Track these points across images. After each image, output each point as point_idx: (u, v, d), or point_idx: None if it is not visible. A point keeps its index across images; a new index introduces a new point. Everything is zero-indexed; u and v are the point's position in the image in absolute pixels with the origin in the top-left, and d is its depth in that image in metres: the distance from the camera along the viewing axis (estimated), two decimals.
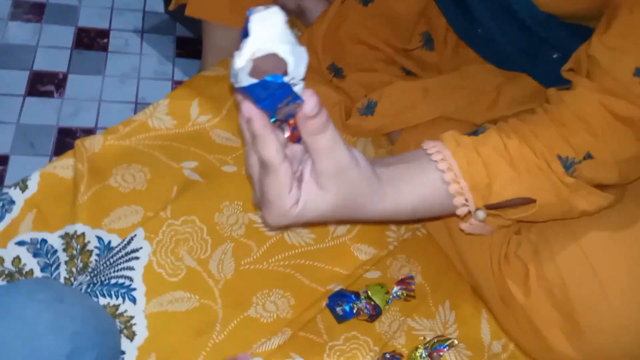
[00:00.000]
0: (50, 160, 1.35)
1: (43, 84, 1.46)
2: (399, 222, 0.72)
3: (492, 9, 0.65)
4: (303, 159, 0.47)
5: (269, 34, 0.38)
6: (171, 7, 0.86)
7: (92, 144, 0.71)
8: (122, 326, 0.60)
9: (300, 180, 0.46)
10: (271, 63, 0.38)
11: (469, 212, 0.53)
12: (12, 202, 0.64)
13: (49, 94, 1.45)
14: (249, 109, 0.40)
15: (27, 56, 1.50)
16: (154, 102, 0.77)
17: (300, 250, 0.68)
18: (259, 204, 0.48)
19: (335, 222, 0.69)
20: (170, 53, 1.58)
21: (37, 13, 1.59)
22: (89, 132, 1.40)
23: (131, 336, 0.59)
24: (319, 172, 0.44)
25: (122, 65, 1.53)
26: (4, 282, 0.60)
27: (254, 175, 0.47)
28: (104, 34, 1.58)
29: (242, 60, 0.38)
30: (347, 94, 0.81)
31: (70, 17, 1.60)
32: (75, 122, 1.42)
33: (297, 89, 0.39)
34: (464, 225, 0.56)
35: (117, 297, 0.61)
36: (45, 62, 1.50)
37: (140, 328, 0.60)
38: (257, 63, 0.38)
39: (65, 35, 1.56)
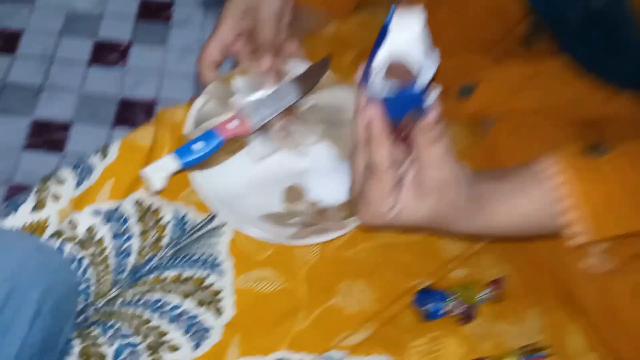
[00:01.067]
0: (111, 129, 1.33)
1: (106, 53, 1.44)
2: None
3: None
4: (406, 164, 0.45)
5: (407, 36, 0.37)
6: None
7: (175, 113, 0.67)
8: (210, 299, 0.56)
9: (399, 185, 0.45)
10: (403, 67, 0.38)
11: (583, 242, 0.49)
12: (92, 168, 0.61)
13: (112, 64, 1.42)
14: (374, 113, 0.41)
15: (92, 25, 1.48)
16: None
17: (387, 240, 0.63)
18: (356, 198, 0.48)
19: (426, 232, 0.64)
20: None
21: None
22: (150, 104, 1.37)
23: (218, 311, 0.56)
24: (421, 183, 0.43)
25: (184, 38, 1.50)
26: (76, 248, 0.56)
27: (357, 171, 0.46)
28: (168, 5, 1.55)
29: (380, 62, 0.38)
30: (439, 75, 0.75)
31: None
32: (136, 93, 1.39)
33: (430, 98, 0.39)
34: (583, 264, 0.53)
35: (204, 269, 0.58)
36: (110, 31, 1.48)
37: (228, 303, 0.56)
38: (390, 66, 0.38)
39: (129, 4, 1.53)
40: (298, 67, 0.68)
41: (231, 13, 0.67)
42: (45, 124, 1.31)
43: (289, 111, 0.66)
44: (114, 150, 0.62)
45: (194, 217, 0.61)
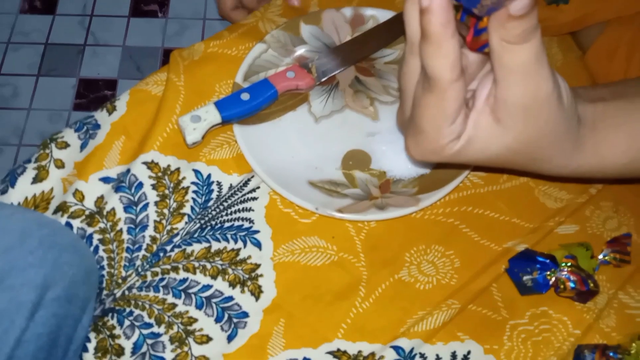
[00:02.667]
0: None
1: (147, 3, 1.32)
2: (599, 182, 0.49)
3: None
4: (479, 77, 0.32)
5: None
6: None
7: (192, 54, 0.54)
8: (246, 276, 0.44)
9: (469, 107, 0.31)
10: None
11: None
12: (98, 126, 0.49)
13: (153, 14, 1.31)
14: None
15: None
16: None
17: (467, 192, 0.48)
18: (406, 127, 0.34)
19: (503, 170, 0.48)
20: None
21: None
22: None
23: (256, 292, 0.44)
24: (502, 101, 0.30)
25: None
26: (84, 225, 0.45)
27: (407, 87, 0.33)
28: None
29: None
30: None
31: None
32: (180, 43, 1.27)
33: None
34: None
35: (235, 241, 0.45)
36: None
37: (267, 282, 0.44)
38: None
39: None
40: (381, 14, 0.54)
41: None
42: (92, 82, 1.23)
43: (364, 64, 0.53)
44: (122, 104, 0.50)
45: (220, 178, 0.48)
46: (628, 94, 0.36)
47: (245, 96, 0.48)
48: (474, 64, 0.32)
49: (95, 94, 1.21)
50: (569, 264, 0.42)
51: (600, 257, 0.45)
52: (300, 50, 0.54)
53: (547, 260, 0.43)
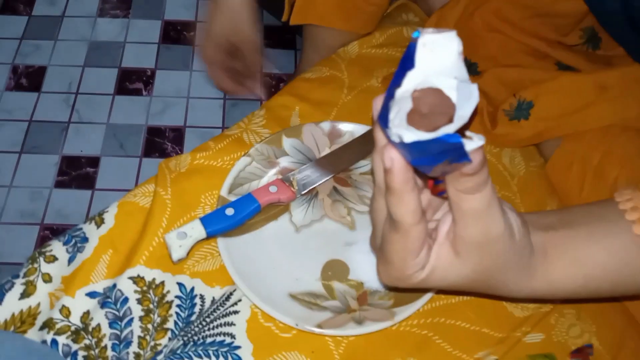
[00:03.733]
0: (139, 162, 1.25)
1: (132, 82, 1.36)
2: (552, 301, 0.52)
3: None
4: (442, 209, 0.36)
5: (437, 65, 0.28)
6: (284, 19, 0.71)
7: (178, 164, 0.56)
8: None
9: (432, 238, 0.35)
10: (430, 102, 0.28)
11: None
12: (86, 239, 0.51)
13: (137, 92, 1.34)
14: (392, 158, 0.29)
15: (116, 52, 1.40)
16: (243, 97, 0.62)
17: (439, 303, 0.50)
18: (377, 253, 0.37)
19: (465, 293, 0.51)
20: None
21: (124, 8, 1.49)
22: (178, 130, 1.28)
23: None
24: (460, 237, 0.33)
25: None
26: (69, 341, 0.46)
27: (377, 221, 0.36)
28: (191, 26, 1.46)
29: (402, 95, 0.28)
30: (484, 93, 0.61)
31: (156, 10, 1.49)
32: (163, 121, 1.30)
33: (469, 148, 0.27)
34: None
35: (217, 357, 0.46)
36: (134, 58, 1.40)
37: None
38: (415, 100, 0.28)
39: (152, 29, 1.45)
40: (356, 129, 0.58)
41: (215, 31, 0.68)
42: (75, 160, 1.24)
43: (341, 175, 0.57)
44: (110, 217, 0.52)
45: (203, 292, 0.50)
46: (574, 222, 0.39)
47: (229, 211, 0.51)
48: (436, 202, 0.36)
49: (77, 172, 1.22)
50: None
51: None
52: (283, 163, 0.57)
53: None
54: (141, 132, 1.29)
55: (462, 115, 0.28)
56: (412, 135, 0.27)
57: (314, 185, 0.55)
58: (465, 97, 0.28)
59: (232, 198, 0.53)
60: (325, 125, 0.59)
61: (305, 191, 0.55)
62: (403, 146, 0.28)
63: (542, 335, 0.50)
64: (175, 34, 1.44)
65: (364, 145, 0.58)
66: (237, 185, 0.55)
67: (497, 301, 0.51)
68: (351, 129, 0.58)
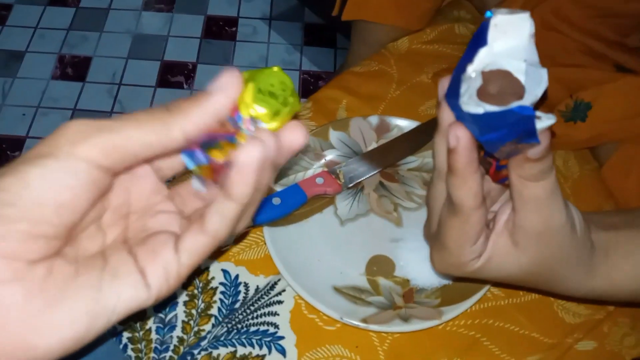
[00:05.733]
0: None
1: (173, 75, 1.37)
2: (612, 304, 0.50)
3: None
4: (501, 201, 0.35)
5: (508, 45, 0.27)
6: (335, 13, 0.70)
7: None
8: None
9: (490, 228, 0.34)
10: (499, 82, 0.27)
11: None
12: None
13: (178, 85, 1.36)
14: (458, 137, 0.29)
15: (159, 46, 1.42)
16: None
17: (487, 304, 0.49)
18: (431, 241, 0.37)
19: (521, 287, 0.49)
20: (298, 41, 1.43)
21: (168, 2, 1.51)
22: None
23: None
24: (519, 227, 0.32)
25: (249, 55, 1.41)
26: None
27: (434, 207, 0.35)
28: (233, 22, 1.47)
29: (473, 72, 0.28)
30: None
31: (199, 5, 1.50)
32: None
33: (540, 126, 0.27)
34: None
35: (260, 346, 0.46)
36: (176, 52, 1.41)
37: None
38: (485, 79, 0.27)
39: (195, 24, 1.46)
40: (405, 123, 0.57)
41: None
42: None
43: (388, 170, 0.56)
44: None
45: (247, 280, 0.49)
46: (638, 224, 0.38)
47: (276, 200, 0.50)
48: (496, 189, 0.35)
49: None
50: None
51: None
52: (329, 155, 0.56)
53: None
54: None
55: (532, 96, 0.27)
56: (480, 108, 0.27)
57: (360, 179, 0.54)
58: (534, 81, 0.27)
59: (279, 188, 0.52)
60: (373, 120, 0.57)
61: (352, 184, 0.54)
62: (474, 119, 0.27)
63: (595, 343, 0.48)
64: (217, 29, 1.46)
65: (412, 141, 0.57)
66: (283, 176, 0.54)
67: (548, 306, 0.49)
68: (400, 124, 0.57)
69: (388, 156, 0.56)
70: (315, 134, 0.56)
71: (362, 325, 0.45)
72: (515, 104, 0.26)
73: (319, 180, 0.52)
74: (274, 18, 1.48)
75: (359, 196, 0.55)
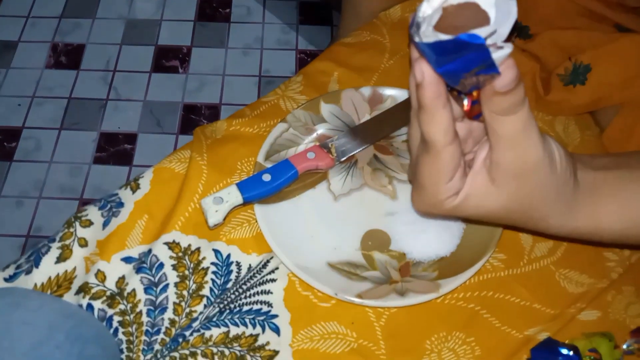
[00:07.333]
0: (176, 138, 1.25)
1: (168, 59, 1.35)
2: (596, 244, 0.49)
3: None
4: (482, 140, 0.35)
5: None
6: None
7: (214, 131, 0.55)
8: None
9: (468, 166, 0.34)
10: (465, 16, 0.28)
11: None
12: (121, 204, 0.50)
13: (173, 70, 1.34)
14: (422, 71, 0.29)
15: (152, 30, 1.40)
16: (278, 74, 0.59)
17: (487, 276, 0.47)
18: (412, 182, 0.37)
19: (502, 225, 0.48)
20: (293, 20, 1.41)
21: None
22: (214, 108, 1.28)
23: None
24: (496, 164, 0.32)
25: (244, 36, 1.38)
26: (104, 306, 0.45)
27: (413, 147, 0.36)
28: (226, 3, 1.44)
29: (431, 5, 0.28)
30: (537, 58, 0.57)
31: None
32: (199, 98, 1.30)
33: (496, 55, 0.27)
34: None
35: (254, 326, 0.45)
36: (170, 36, 1.39)
37: None
38: (448, 13, 0.28)
39: (188, 7, 1.44)
40: (399, 93, 0.54)
41: None
42: (113, 136, 1.25)
43: (382, 142, 0.54)
44: (145, 182, 0.51)
45: (239, 259, 0.48)
46: (629, 164, 0.37)
47: (266, 177, 0.49)
48: (479, 129, 0.35)
49: (115, 148, 1.23)
50: (592, 357, 0.41)
51: (624, 347, 0.44)
52: (321, 129, 0.54)
53: (570, 352, 0.41)
54: (177, 109, 1.28)
55: (500, 33, 0.27)
56: (435, 37, 0.27)
57: (353, 153, 0.52)
58: (503, 14, 0.27)
59: (269, 165, 0.51)
60: (366, 91, 0.56)
61: (345, 158, 0.52)
62: (429, 50, 0.27)
63: (598, 312, 0.46)
64: (211, 11, 1.43)
65: (406, 112, 0.54)
66: (274, 152, 0.52)
67: (550, 276, 0.48)
68: (393, 94, 0.55)
69: (382, 128, 0.54)
70: (305, 108, 0.54)
71: (357, 300, 0.44)
72: (464, 34, 0.26)
73: (311, 155, 0.51)
74: None
75: (352, 170, 0.53)
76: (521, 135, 0.30)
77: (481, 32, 0.26)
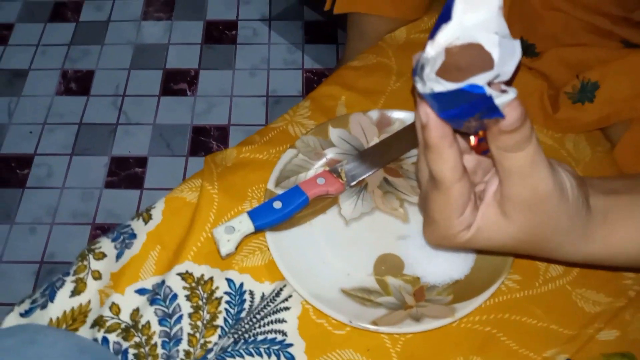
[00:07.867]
0: (186, 161, 1.26)
1: (176, 82, 1.37)
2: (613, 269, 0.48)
3: None
4: (490, 173, 0.35)
5: (476, 19, 0.27)
6: (327, 7, 0.68)
7: (224, 159, 0.55)
8: None
9: (479, 198, 0.34)
10: (469, 56, 0.27)
11: None
12: (134, 235, 0.50)
13: (182, 92, 1.35)
14: (428, 114, 0.30)
15: (160, 54, 1.41)
16: (285, 94, 0.59)
17: (502, 298, 0.47)
18: (423, 214, 0.37)
19: (518, 255, 0.47)
20: (299, 40, 1.42)
21: (167, 10, 1.51)
22: (222, 129, 1.28)
23: None
24: (507, 197, 0.32)
25: (251, 57, 1.40)
26: (119, 339, 0.45)
27: (422, 182, 0.36)
28: (232, 25, 1.46)
29: (434, 48, 0.27)
30: (544, 75, 0.57)
31: (198, 10, 1.50)
32: (208, 120, 1.31)
33: (500, 101, 0.26)
34: None
35: (269, 355, 0.45)
36: (177, 59, 1.41)
37: None
38: (452, 54, 0.27)
39: (194, 30, 1.46)
40: (407, 115, 0.55)
41: None
42: (123, 160, 1.26)
43: (392, 165, 0.54)
44: (157, 212, 0.51)
45: (253, 287, 0.48)
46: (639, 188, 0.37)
47: (277, 204, 0.49)
48: (487, 159, 0.35)
49: (126, 172, 1.24)
50: None
51: None
52: (330, 154, 0.54)
53: None
54: (187, 131, 1.29)
55: (505, 71, 0.27)
56: (437, 86, 0.27)
57: (363, 177, 0.53)
58: (507, 54, 0.27)
59: (279, 191, 0.51)
60: (374, 114, 0.56)
61: (354, 183, 0.52)
62: (429, 98, 0.28)
63: (617, 332, 0.46)
64: (218, 34, 1.45)
65: (415, 134, 0.55)
66: (283, 178, 0.53)
67: (566, 296, 0.47)
68: (401, 117, 0.56)
69: (391, 151, 0.54)
70: (314, 133, 0.55)
71: (372, 327, 0.44)
72: (466, 82, 0.26)
73: (320, 181, 0.51)
74: (273, 18, 1.47)
75: (362, 194, 0.53)
76: (530, 170, 0.30)
77: (484, 77, 0.26)
